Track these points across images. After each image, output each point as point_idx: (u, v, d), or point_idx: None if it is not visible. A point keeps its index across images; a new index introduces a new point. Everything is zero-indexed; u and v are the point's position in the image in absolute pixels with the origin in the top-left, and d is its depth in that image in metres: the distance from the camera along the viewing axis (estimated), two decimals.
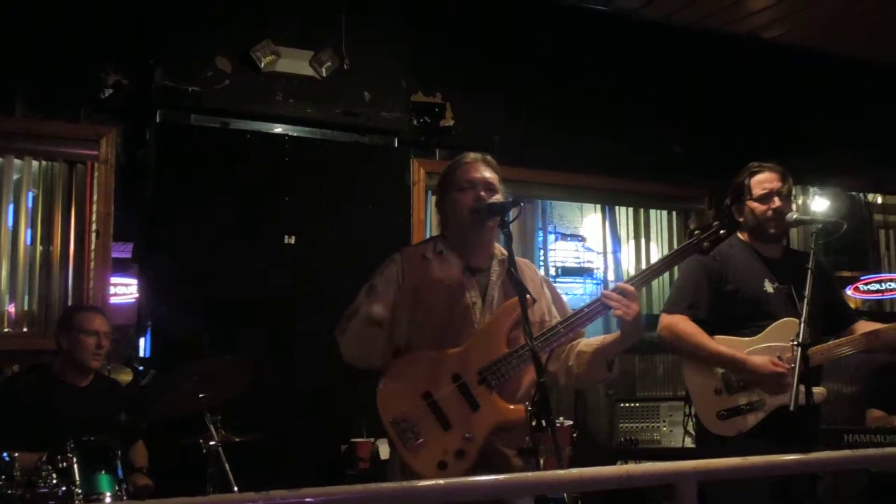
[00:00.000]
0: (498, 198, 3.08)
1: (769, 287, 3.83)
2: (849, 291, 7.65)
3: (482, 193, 3.06)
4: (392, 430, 2.92)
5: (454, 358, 2.96)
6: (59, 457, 3.94)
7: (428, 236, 5.98)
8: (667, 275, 6.78)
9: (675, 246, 7.18)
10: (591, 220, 7.39)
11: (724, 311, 3.84)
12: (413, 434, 2.88)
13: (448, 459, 2.86)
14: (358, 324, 3.04)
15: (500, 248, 3.18)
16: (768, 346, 3.71)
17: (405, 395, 2.93)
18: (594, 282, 7.25)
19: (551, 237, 7.26)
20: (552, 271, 7.16)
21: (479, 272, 3.12)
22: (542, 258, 7.13)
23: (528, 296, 2.93)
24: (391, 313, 3.02)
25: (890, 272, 8.05)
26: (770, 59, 7.24)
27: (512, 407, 2.92)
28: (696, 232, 3.13)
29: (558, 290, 3.37)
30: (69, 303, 5.20)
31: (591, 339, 3.08)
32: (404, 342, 3.07)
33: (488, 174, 3.12)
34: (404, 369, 3.00)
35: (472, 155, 3.18)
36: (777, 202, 3.85)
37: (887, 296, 7.87)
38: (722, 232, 3.11)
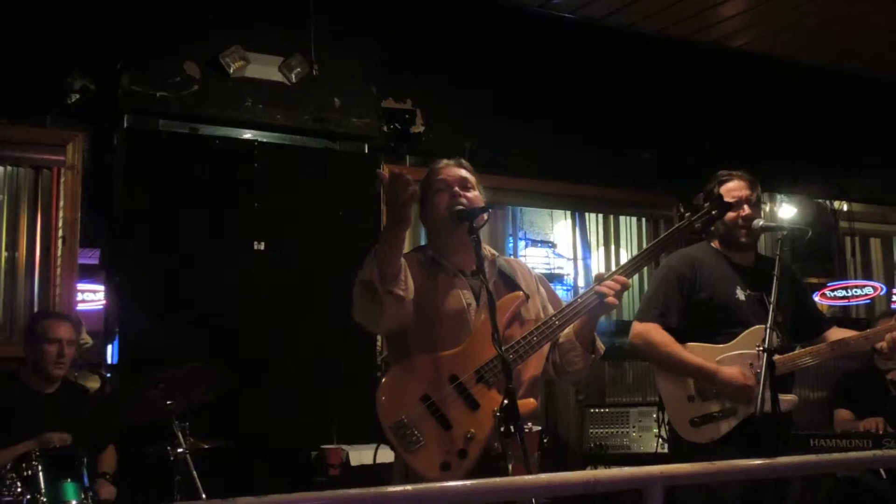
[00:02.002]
0: (476, 195, 3.11)
1: (741, 294, 3.85)
2: (816, 297, 7.73)
3: (456, 189, 3.08)
4: (392, 435, 2.89)
5: (450, 359, 2.96)
6: (23, 465, 3.90)
7: None
8: (639, 283, 6.83)
9: None
10: (561, 227, 7.41)
11: (696, 318, 3.86)
12: (414, 437, 2.87)
13: (450, 460, 2.86)
14: (357, 286, 2.91)
15: (489, 250, 3.21)
16: (740, 354, 3.73)
17: (403, 400, 2.92)
18: (564, 288, 7.27)
19: (522, 243, 7.28)
20: None
21: (472, 274, 3.13)
22: None
23: (520, 293, 3.04)
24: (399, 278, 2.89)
25: (856, 279, 8.14)
26: (738, 68, 7.31)
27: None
28: (687, 214, 3.17)
29: (553, 289, 3.40)
30: (35, 310, 5.14)
31: (566, 329, 3.11)
32: (401, 343, 3.05)
33: (462, 172, 3.16)
34: (401, 376, 3.00)
35: (444, 161, 3.22)
36: (746, 210, 3.88)
37: (853, 302, 7.96)
38: (714, 213, 3.16)
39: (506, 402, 2.66)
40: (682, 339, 3.82)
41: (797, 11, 6.61)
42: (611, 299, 2.98)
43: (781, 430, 3.63)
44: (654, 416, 5.51)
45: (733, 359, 3.74)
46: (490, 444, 2.90)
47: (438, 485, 1.97)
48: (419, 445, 2.87)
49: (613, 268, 7.15)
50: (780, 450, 3.06)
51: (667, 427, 3.91)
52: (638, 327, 3.91)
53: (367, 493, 1.81)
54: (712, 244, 4.00)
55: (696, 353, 3.79)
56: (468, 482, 1.99)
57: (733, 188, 3.93)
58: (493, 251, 3.23)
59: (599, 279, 3.02)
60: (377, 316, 2.90)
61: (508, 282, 3.14)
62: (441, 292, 3.06)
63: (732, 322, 3.81)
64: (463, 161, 3.22)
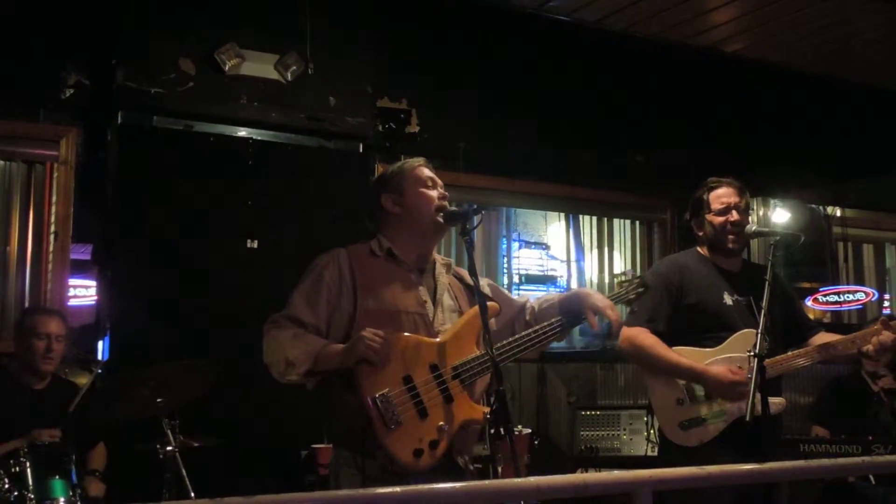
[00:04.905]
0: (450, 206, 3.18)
1: (728, 299, 3.87)
2: (808, 302, 7.76)
3: (445, 192, 3.17)
4: (375, 407, 2.84)
5: (432, 348, 2.97)
6: (11, 461, 3.89)
7: None
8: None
9: (638, 254, 7.27)
10: (555, 229, 7.42)
11: (684, 323, 3.87)
12: (394, 417, 2.86)
13: (424, 448, 2.86)
14: (282, 333, 3.19)
15: (443, 258, 3.26)
16: (728, 358, 3.75)
17: (388, 374, 2.88)
18: (558, 290, 7.27)
19: (515, 245, 7.28)
20: (516, 279, 7.18)
21: (425, 272, 3.17)
22: (505, 266, 7.14)
23: (496, 304, 3.08)
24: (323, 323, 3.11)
25: (848, 284, 8.17)
26: (732, 72, 7.32)
27: (477, 406, 2.97)
28: (625, 283, 3.43)
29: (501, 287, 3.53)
30: (26, 305, 5.13)
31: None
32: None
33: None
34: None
35: (419, 159, 3.30)
36: (735, 216, 3.91)
37: (845, 307, 7.98)
38: (641, 290, 3.44)
39: (496, 404, 2.66)
40: (670, 344, 3.83)
41: (790, 18, 6.62)
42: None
43: (770, 434, 3.64)
44: (645, 418, 5.52)
45: (722, 362, 3.75)
46: (454, 443, 2.92)
47: (427, 487, 1.97)
48: (398, 426, 2.85)
49: (607, 270, 7.24)
50: (769, 454, 3.06)
51: (656, 430, 3.91)
52: (626, 331, 3.92)
53: (357, 495, 1.81)
54: (700, 250, 4.03)
55: (684, 356, 3.80)
56: (457, 484, 1.99)
57: (722, 194, 3.97)
58: (448, 258, 3.26)
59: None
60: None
61: (469, 289, 3.18)
62: (399, 287, 3.07)
63: (719, 327, 3.83)
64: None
